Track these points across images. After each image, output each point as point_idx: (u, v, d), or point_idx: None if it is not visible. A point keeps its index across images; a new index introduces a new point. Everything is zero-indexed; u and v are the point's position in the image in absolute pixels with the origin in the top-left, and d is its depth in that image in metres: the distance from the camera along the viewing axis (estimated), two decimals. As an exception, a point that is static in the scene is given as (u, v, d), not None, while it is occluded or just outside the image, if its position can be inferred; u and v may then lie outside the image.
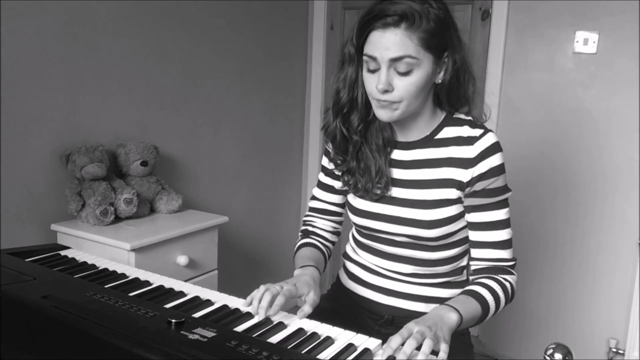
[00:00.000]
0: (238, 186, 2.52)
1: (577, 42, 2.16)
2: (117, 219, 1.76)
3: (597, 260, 2.24)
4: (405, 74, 1.05)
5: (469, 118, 1.18)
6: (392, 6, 1.02)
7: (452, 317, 0.99)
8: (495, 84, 2.33)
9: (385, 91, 1.06)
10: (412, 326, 0.92)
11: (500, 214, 1.15)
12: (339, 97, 1.18)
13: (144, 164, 1.86)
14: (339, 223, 1.39)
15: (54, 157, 1.74)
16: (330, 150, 1.27)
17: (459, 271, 1.27)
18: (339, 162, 1.25)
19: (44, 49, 1.69)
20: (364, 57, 1.09)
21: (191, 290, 1.13)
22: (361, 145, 1.21)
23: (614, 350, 2.21)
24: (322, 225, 1.37)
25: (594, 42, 2.13)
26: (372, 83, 1.08)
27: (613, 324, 2.22)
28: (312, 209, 1.39)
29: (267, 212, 2.74)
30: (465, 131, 1.15)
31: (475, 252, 1.17)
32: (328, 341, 0.93)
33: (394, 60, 1.04)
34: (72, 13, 1.74)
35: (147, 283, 1.16)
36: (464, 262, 1.27)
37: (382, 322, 1.28)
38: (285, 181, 2.85)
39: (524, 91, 2.32)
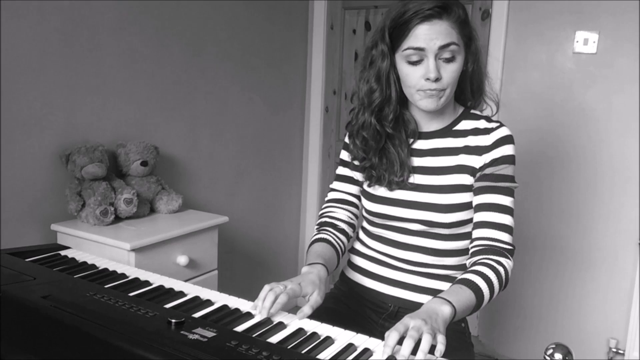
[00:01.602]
0: (238, 186, 2.52)
1: (577, 42, 2.16)
2: (117, 219, 1.76)
3: (597, 260, 2.24)
4: (450, 60, 1.14)
5: (486, 114, 1.26)
6: (427, 1, 1.11)
7: (446, 311, 0.99)
8: (495, 84, 2.33)
9: (436, 79, 1.13)
10: (407, 321, 0.92)
11: (504, 200, 1.18)
12: (374, 97, 1.23)
13: (144, 164, 1.86)
14: (356, 216, 1.41)
15: (54, 157, 1.75)
16: (350, 146, 1.32)
17: (464, 266, 1.27)
18: (361, 157, 1.29)
19: (44, 49, 1.69)
20: (406, 51, 1.14)
21: (191, 290, 1.13)
22: (385, 143, 1.26)
23: (614, 350, 2.21)
24: (340, 215, 1.38)
25: (594, 42, 2.13)
26: (417, 75, 1.15)
27: (613, 324, 2.22)
28: (330, 200, 1.41)
29: (267, 212, 2.74)
30: (482, 124, 1.23)
31: (476, 233, 1.19)
32: (328, 341, 0.93)
33: (442, 48, 1.12)
34: (72, 13, 1.74)
35: (147, 283, 1.16)
36: None
37: (386, 315, 1.29)
38: (285, 181, 2.85)
39: (524, 91, 2.32)
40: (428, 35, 1.11)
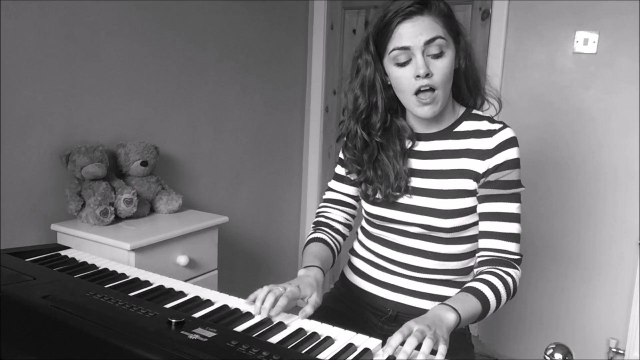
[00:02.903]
0: (238, 186, 2.52)
1: (577, 42, 2.16)
2: (117, 219, 1.76)
3: (597, 260, 2.24)
4: (439, 55, 1.11)
5: (488, 115, 1.23)
6: (406, 0, 1.10)
7: (451, 318, 0.99)
8: (495, 84, 2.33)
9: (426, 75, 1.10)
10: (412, 325, 0.92)
11: (511, 207, 1.16)
12: (358, 104, 1.21)
13: (144, 164, 1.86)
14: (352, 216, 1.40)
15: (54, 157, 1.75)
16: (346, 160, 1.30)
17: (467, 271, 1.26)
18: (355, 171, 1.28)
19: (44, 49, 1.69)
20: (392, 53, 1.12)
21: (191, 290, 1.13)
22: (378, 154, 1.23)
23: (614, 350, 2.21)
24: (336, 216, 1.37)
25: (594, 42, 2.13)
26: (408, 76, 1.12)
27: (613, 324, 2.22)
28: (326, 200, 1.40)
29: (267, 212, 2.74)
30: (485, 125, 1.19)
31: (482, 243, 1.17)
32: (328, 341, 0.93)
33: (428, 44, 1.09)
34: (72, 13, 1.74)
35: (147, 283, 1.16)
36: (473, 262, 1.27)
37: (386, 318, 1.29)
38: (285, 181, 2.85)
39: (524, 91, 2.32)
40: (412, 32, 1.09)
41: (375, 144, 1.23)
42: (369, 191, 1.25)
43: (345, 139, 1.28)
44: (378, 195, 1.24)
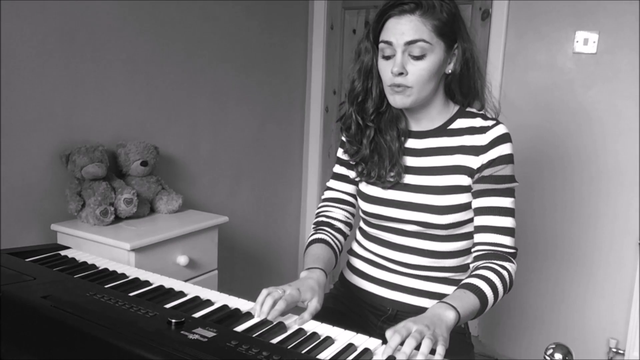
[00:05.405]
0: (238, 186, 2.52)
1: (577, 42, 2.16)
2: (117, 219, 1.76)
3: (597, 260, 2.24)
4: (419, 58, 1.12)
5: (482, 112, 1.24)
6: None
7: (450, 316, 0.99)
8: (495, 84, 2.33)
9: (400, 74, 1.13)
10: (410, 325, 0.92)
11: (505, 202, 1.17)
12: (354, 86, 1.25)
13: (144, 164, 1.86)
14: (352, 215, 1.40)
15: (54, 157, 1.75)
16: (345, 141, 1.32)
17: (464, 268, 1.27)
18: (352, 152, 1.29)
19: (44, 49, 1.69)
20: (380, 45, 1.16)
21: (191, 290, 1.13)
22: (375, 135, 1.26)
23: (614, 350, 2.21)
24: (337, 214, 1.37)
25: (594, 42, 2.13)
26: (387, 69, 1.15)
27: (613, 324, 2.22)
28: (326, 199, 1.41)
29: (267, 212, 2.74)
30: (478, 122, 1.21)
31: (477, 237, 1.18)
32: (328, 341, 0.93)
33: (409, 44, 1.11)
34: (72, 13, 1.74)
35: (147, 283, 1.16)
36: (469, 260, 1.27)
37: (385, 317, 1.29)
38: (285, 181, 2.85)
39: (524, 91, 2.32)
40: (397, 29, 1.12)
41: (374, 130, 1.25)
42: (363, 172, 1.27)
43: (341, 120, 1.30)
44: (369, 180, 1.26)
